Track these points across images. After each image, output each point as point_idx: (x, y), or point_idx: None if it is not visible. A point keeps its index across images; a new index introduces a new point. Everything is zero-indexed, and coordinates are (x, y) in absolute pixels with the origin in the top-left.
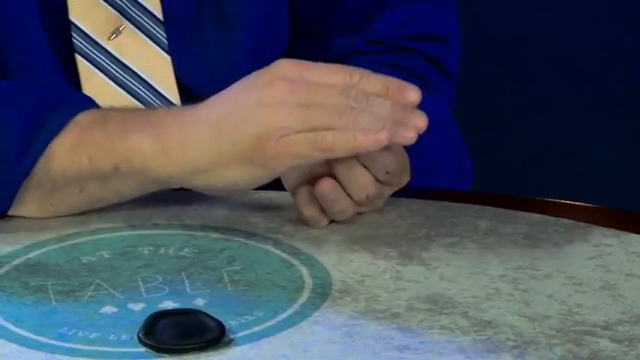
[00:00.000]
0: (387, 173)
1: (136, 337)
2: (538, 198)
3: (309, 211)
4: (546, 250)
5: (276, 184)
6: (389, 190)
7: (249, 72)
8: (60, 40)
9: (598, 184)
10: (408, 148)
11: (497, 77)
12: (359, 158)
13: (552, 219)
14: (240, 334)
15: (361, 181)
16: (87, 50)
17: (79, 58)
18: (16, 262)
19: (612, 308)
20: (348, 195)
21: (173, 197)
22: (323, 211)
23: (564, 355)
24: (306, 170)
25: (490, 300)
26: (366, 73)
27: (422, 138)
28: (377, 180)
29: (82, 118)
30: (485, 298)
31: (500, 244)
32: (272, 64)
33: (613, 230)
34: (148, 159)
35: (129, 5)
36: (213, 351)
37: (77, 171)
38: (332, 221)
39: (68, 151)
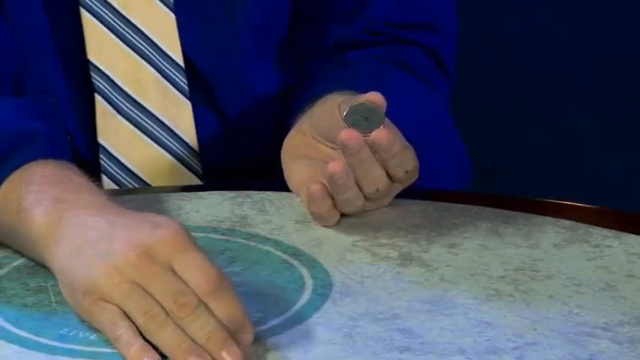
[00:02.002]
0: (406, 172)
1: None
2: (538, 199)
3: (319, 207)
4: (547, 251)
5: (277, 186)
6: (397, 188)
7: (249, 47)
8: None
9: (598, 186)
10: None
11: (497, 78)
12: (378, 153)
13: (553, 220)
14: None
15: (374, 174)
16: (91, 4)
17: (84, 12)
18: (16, 263)
19: (613, 309)
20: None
21: (174, 198)
22: (332, 207)
23: (564, 356)
24: (311, 169)
25: (490, 301)
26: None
27: (422, 141)
28: (390, 177)
29: (25, 176)
30: (485, 299)
31: (501, 245)
32: (164, 218)
33: (613, 231)
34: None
35: None
36: None
37: None
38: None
39: None
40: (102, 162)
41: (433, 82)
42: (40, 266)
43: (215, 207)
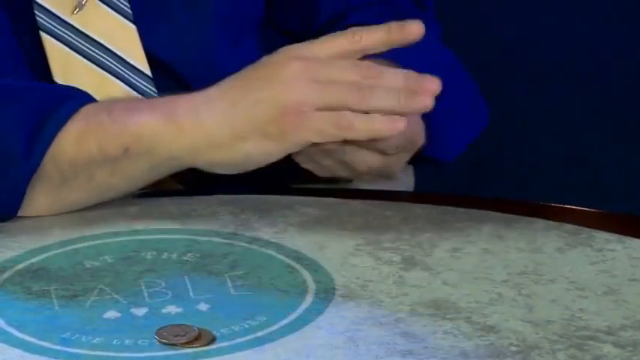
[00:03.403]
0: (396, 148)
1: (139, 341)
2: (541, 203)
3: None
4: (549, 255)
5: (279, 189)
6: (404, 156)
7: (221, 38)
8: (23, 19)
9: (601, 190)
10: None
11: (501, 83)
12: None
13: (555, 224)
14: (242, 339)
15: (366, 158)
16: (51, 27)
17: (44, 36)
18: (19, 266)
19: (615, 313)
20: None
21: (176, 202)
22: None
23: None
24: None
25: (493, 305)
26: (365, 30)
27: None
28: (386, 154)
29: (87, 108)
30: (488, 303)
31: (504, 249)
32: (279, 50)
33: (616, 235)
34: (159, 135)
35: None
36: (217, 356)
37: (86, 159)
38: (334, 226)
39: (75, 139)
40: None
41: (425, 23)
42: (43, 270)
43: (217, 211)
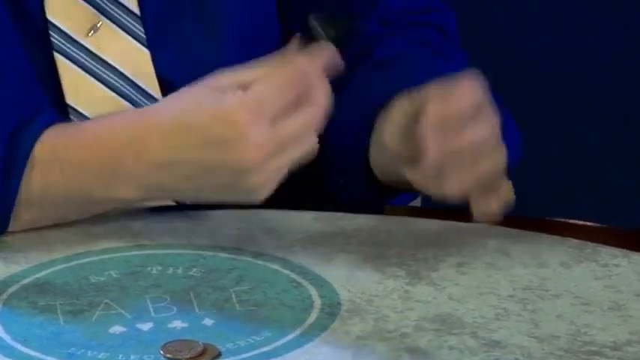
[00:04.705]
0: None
1: (144, 357)
2: (546, 218)
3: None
4: (555, 270)
5: (284, 204)
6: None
7: (235, 62)
8: (37, 39)
9: (606, 205)
10: None
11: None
12: None
13: (561, 239)
14: (248, 355)
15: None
16: (65, 48)
17: (58, 56)
18: (24, 281)
19: (621, 329)
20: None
21: (182, 216)
22: None
23: None
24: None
25: (499, 320)
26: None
27: None
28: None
29: (38, 153)
30: (494, 318)
31: (509, 264)
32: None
33: (622, 250)
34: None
35: (105, 1)
36: None
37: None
38: (339, 241)
39: (41, 173)
40: None
41: (453, 52)
42: (49, 284)
43: (223, 225)
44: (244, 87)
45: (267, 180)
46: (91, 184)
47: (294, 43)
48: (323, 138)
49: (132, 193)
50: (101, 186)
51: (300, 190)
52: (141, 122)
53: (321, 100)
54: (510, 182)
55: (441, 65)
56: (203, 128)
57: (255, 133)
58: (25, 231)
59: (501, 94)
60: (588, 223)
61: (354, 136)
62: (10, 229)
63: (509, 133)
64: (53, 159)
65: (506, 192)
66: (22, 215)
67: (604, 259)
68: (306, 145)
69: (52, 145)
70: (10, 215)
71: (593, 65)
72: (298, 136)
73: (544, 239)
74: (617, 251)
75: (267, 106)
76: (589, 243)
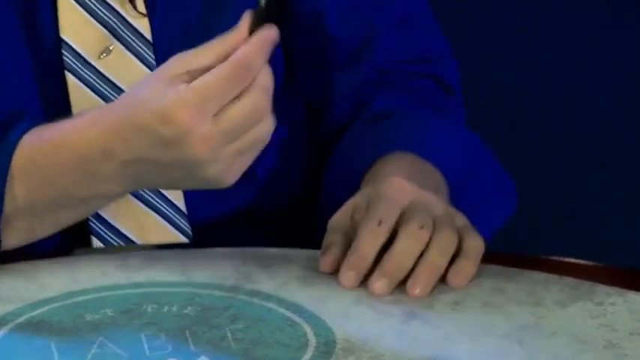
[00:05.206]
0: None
1: None
2: (542, 256)
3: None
4: (550, 309)
5: (281, 241)
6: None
7: None
8: (48, 57)
9: (602, 243)
10: (454, 182)
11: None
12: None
13: (556, 277)
14: None
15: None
16: (77, 68)
17: (69, 76)
18: (19, 320)
19: None
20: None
21: (177, 254)
22: None
23: None
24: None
25: (495, 359)
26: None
27: (468, 177)
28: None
29: (16, 161)
30: (490, 357)
31: (505, 302)
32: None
33: (617, 289)
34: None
35: (119, 25)
36: None
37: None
38: (334, 279)
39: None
40: (91, 223)
41: (451, 108)
42: (44, 323)
43: (219, 263)
44: (193, 75)
45: (227, 166)
46: (72, 184)
47: (245, 19)
48: (320, 187)
49: (114, 188)
50: (82, 185)
51: (297, 231)
52: (101, 122)
53: (263, 82)
54: (479, 236)
55: (437, 124)
56: (150, 129)
57: (197, 129)
58: (19, 269)
59: (494, 132)
60: (583, 262)
61: (349, 186)
62: (7, 241)
63: (506, 191)
64: (31, 165)
65: (476, 250)
66: (16, 226)
67: (599, 298)
68: (262, 127)
69: (28, 151)
70: None
71: (590, 104)
72: (247, 120)
73: (539, 277)
74: (612, 290)
75: (209, 104)
76: (584, 281)
